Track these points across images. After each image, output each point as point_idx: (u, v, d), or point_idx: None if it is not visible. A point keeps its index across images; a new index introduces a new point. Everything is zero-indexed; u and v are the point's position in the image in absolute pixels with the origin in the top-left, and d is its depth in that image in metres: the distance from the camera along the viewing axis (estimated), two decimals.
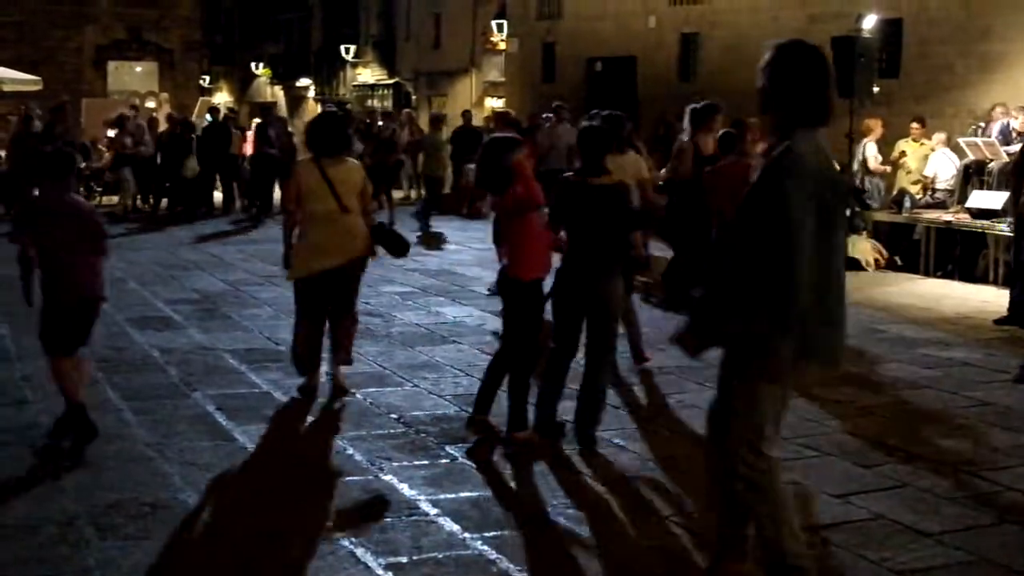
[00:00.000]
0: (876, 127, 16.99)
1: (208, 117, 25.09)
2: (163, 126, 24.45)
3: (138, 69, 36.35)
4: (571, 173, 7.64)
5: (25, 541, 5.58)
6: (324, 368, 9.12)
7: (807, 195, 4.56)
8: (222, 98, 49.57)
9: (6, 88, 26.95)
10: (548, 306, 7.46)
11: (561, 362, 7.54)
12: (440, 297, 11.36)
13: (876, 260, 15.10)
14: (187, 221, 21.35)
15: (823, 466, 6.99)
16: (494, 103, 33.63)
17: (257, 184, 23.21)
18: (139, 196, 23.69)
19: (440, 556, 5.55)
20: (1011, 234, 12.62)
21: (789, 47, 4.74)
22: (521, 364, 7.55)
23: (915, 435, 7.69)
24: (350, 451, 7.23)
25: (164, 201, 23.44)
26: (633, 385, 9.09)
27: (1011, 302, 11.47)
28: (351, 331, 8.87)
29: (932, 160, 17.33)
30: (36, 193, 7.53)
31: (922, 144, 17.55)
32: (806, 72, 4.70)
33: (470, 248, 17.16)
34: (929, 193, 17.05)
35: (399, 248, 8.83)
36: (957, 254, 15.29)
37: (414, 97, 39.43)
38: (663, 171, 13.15)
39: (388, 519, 6.03)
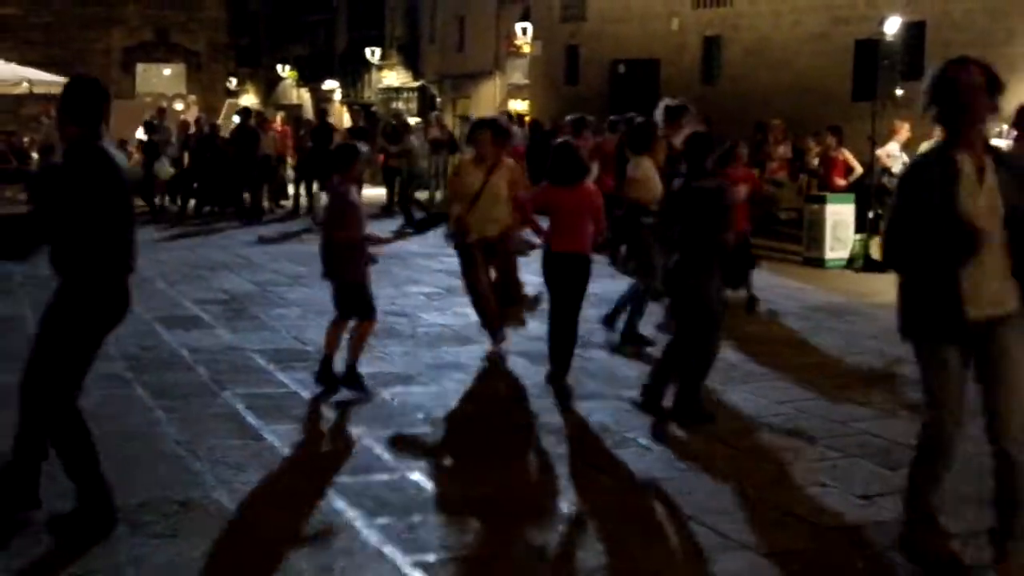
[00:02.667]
0: (902, 129, 16.98)
1: (236, 119, 25.21)
2: (192, 128, 24.64)
3: (166, 71, 36.54)
4: (679, 179, 8.35)
5: (57, 539, 5.64)
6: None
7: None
8: (248, 100, 49.72)
9: (35, 90, 27.14)
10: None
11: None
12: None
13: None
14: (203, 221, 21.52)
15: (848, 467, 7.02)
16: (518, 105, 33.66)
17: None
18: (167, 197, 23.90)
19: (467, 554, 5.60)
20: None
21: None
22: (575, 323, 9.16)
23: None
24: (378, 450, 7.29)
25: (192, 202, 23.58)
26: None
27: None
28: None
29: None
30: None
31: None
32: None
33: None
34: None
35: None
36: None
37: (439, 100, 39.46)
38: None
39: (416, 518, 6.08)
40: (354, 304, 8.71)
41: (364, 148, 9.22)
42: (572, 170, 9.03)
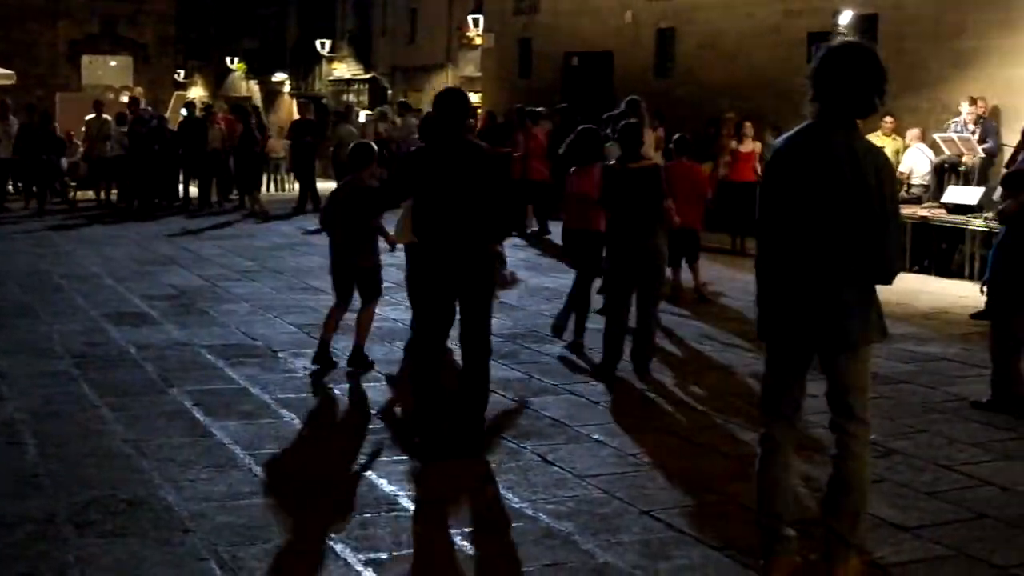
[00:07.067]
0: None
1: (183, 112, 24.97)
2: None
3: (112, 64, 36.16)
4: (614, 161, 9.64)
5: (2, 538, 5.55)
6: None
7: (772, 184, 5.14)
8: (197, 93, 49.37)
9: None
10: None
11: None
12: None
13: None
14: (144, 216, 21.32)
15: (802, 461, 7.00)
16: (471, 98, 33.58)
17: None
18: (111, 191, 23.67)
19: (419, 553, 5.54)
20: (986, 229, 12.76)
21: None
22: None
23: (893, 430, 7.72)
24: (329, 447, 7.21)
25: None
26: (612, 381, 9.10)
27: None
28: None
29: (907, 156, 17.42)
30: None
31: (894, 139, 17.60)
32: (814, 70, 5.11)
33: None
34: (904, 188, 17.12)
35: None
36: (934, 249, 15.40)
37: (390, 92, 39.32)
38: None
39: (368, 515, 6.02)
40: (371, 287, 9.35)
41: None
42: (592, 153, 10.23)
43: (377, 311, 9.70)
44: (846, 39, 5.25)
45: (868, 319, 5.04)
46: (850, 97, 4.96)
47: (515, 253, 16.02)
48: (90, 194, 24.10)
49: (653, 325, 9.55)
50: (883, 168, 4.97)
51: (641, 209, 9.34)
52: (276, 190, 29.09)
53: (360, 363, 9.26)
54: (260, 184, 23.55)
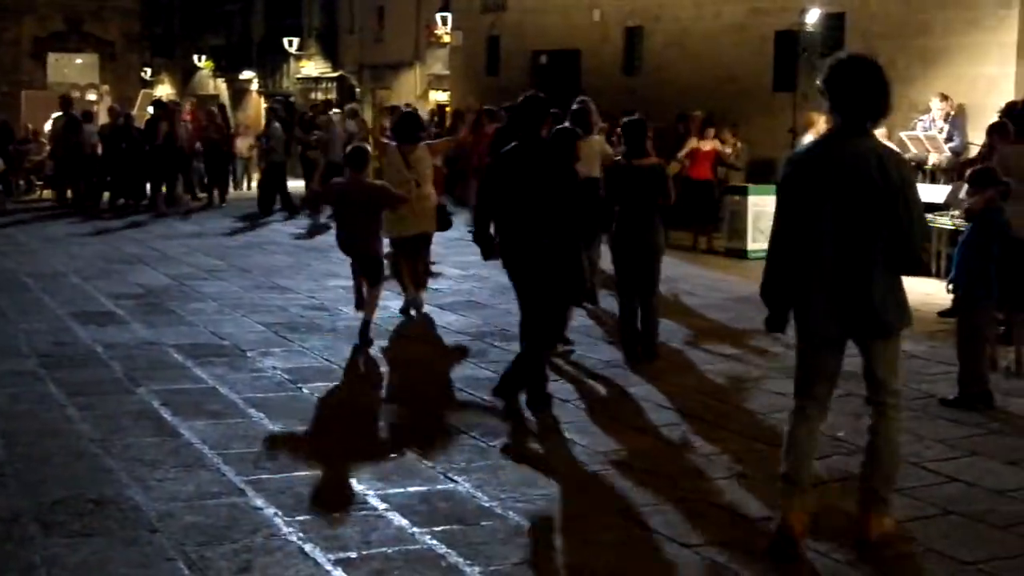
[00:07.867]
0: (819, 120, 17.06)
1: (150, 110, 24.83)
2: (104, 119, 24.19)
3: (78, 61, 35.88)
4: (620, 158, 10.25)
5: None
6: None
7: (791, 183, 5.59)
8: (164, 91, 49.14)
9: None
10: None
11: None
12: (385, 292, 11.35)
13: None
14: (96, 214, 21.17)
15: (771, 458, 7.00)
16: (438, 96, 33.59)
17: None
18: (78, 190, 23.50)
19: (389, 551, 5.52)
20: (952, 227, 12.86)
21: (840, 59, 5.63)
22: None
23: (861, 427, 7.70)
24: (296, 446, 7.18)
25: (106, 194, 23.19)
26: (583, 379, 9.11)
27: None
28: (424, 271, 11.92)
29: None
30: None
31: None
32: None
33: None
34: None
35: (445, 225, 11.68)
36: None
37: (358, 90, 39.25)
38: None
39: (336, 514, 6.00)
40: (375, 273, 10.32)
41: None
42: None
43: (345, 310, 9.69)
44: (852, 53, 5.81)
45: (902, 308, 5.57)
46: (867, 105, 5.48)
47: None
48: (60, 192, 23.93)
49: (656, 312, 9.91)
50: (905, 168, 5.55)
51: (645, 205, 9.72)
52: (246, 188, 28.96)
53: (365, 337, 9.97)
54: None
